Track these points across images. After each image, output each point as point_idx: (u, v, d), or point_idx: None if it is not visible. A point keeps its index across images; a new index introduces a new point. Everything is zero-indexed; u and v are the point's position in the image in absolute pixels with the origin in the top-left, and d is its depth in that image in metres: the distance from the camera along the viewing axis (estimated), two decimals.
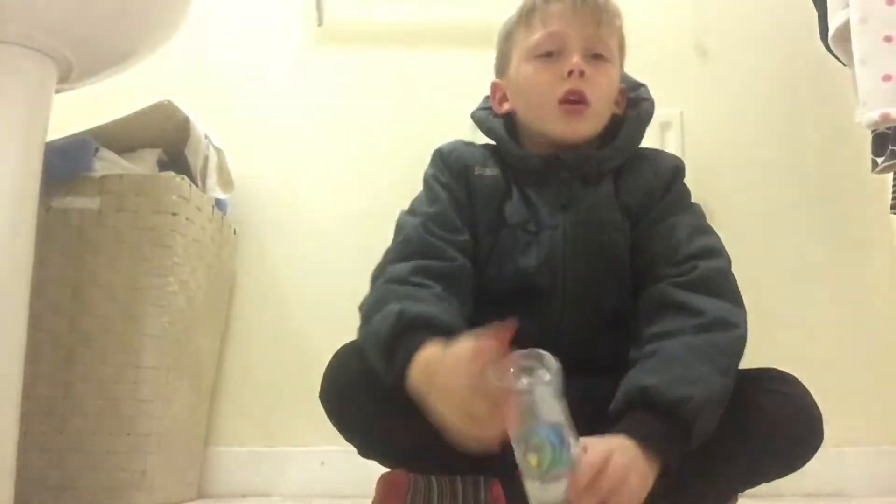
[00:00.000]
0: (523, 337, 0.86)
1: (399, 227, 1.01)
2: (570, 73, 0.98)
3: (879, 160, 1.41)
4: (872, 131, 1.42)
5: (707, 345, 0.83)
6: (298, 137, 1.85)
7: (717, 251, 0.97)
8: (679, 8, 1.93)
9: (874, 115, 1.32)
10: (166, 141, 1.55)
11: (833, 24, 1.45)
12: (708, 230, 1.01)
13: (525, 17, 1.06)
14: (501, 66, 1.12)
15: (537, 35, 1.02)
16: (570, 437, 0.68)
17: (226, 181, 1.66)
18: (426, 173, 1.07)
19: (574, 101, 0.99)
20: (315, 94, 1.88)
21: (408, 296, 0.86)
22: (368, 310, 0.89)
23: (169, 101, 1.48)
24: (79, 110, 1.44)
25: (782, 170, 1.84)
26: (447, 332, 0.77)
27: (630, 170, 1.04)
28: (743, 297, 0.95)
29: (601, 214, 1.00)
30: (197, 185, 1.51)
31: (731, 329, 0.87)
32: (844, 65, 1.52)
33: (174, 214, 1.37)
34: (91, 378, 1.28)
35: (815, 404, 0.88)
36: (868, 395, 1.68)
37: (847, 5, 1.39)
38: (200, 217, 1.48)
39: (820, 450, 0.90)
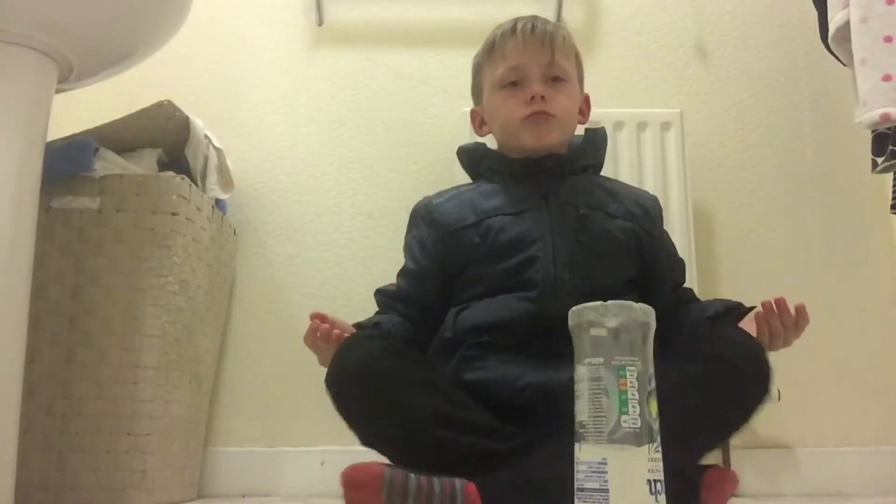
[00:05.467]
0: (522, 315, 1.06)
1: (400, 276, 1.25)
2: (532, 98, 1.16)
3: (879, 160, 1.41)
4: (872, 131, 1.42)
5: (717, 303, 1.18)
6: (298, 137, 1.85)
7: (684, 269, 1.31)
8: (679, 8, 1.93)
9: (874, 114, 1.32)
10: (166, 141, 1.55)
11: (833, 24, 1.45)
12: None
13: (488, 54, 1.24)
14: (477, 95, 1.30)
15: (500, 69, 1.20)
16: None
17: (226, 181, 1.66)
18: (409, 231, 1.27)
19: (537, 114, 1.16)
20: (315, 94, 1.88)
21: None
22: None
23: (169, 101, 1.48)
24: (79, 110, 1.44)
25: (782, 170, 1.84)
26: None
27: (611, 179, 1.29)
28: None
29: (583, 196, 1.16)
30: (197, 185, 1.50)
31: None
32: (844, 65, 1.52)
33: (174, 214, 1.37)
34: (91, 378, 1.28)
35: (764, 351, 0.99)
36: (868, 395, 1.68)
37: (847, 5, 1.39)
38: (200, 217, 1.48)
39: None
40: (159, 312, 1.33)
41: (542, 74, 1.18)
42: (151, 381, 1.31)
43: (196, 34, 1.58)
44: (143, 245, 1.34)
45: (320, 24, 1.90)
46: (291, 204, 1.81)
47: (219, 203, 1.62)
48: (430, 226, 1.20)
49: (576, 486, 0.63)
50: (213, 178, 1.61)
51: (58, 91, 1.21)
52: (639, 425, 0.61)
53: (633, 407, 0.62)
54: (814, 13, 1.60)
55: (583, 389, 0.64)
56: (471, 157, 1.28)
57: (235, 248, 1.75)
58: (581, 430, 0.64)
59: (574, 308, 0.68)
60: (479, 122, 1.29)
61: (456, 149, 1.33)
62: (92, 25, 1.16)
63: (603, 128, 1.28)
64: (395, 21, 1.91)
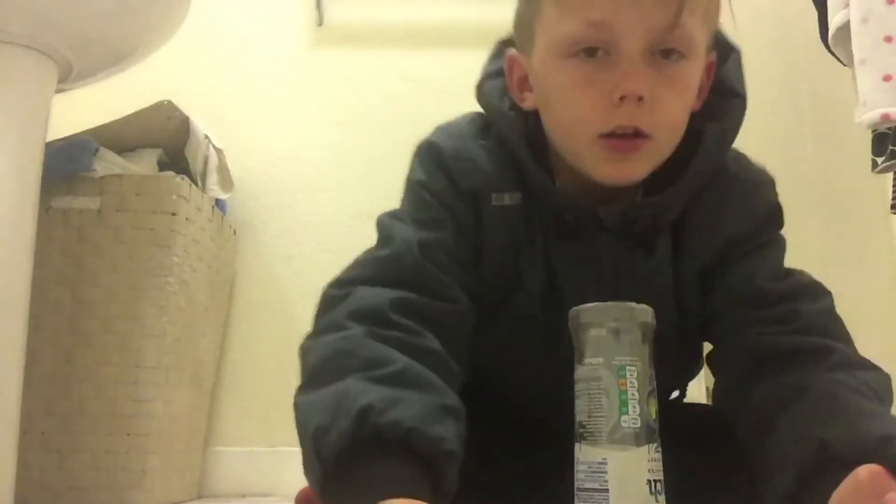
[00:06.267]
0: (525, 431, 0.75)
1: (384, 235, 0.73)
2: (622, 98, 0.64)
3: (879, 160, 1.41)
4: (873, 131, 1.42)
5: (858, 382, 0.63)
6: (298, 137, 1.85)
7: (814, 286, 0.75)
8: None
9: (874, 114, 1.32)
10: (166, 141, 1.55)
11: (833, 24, 1.45)
12: (794, 270, 0.78)
13: None
14: (523, 37, 0.74)
15: (572, 24, 0.66)
16: None
17: (226, 181, 1.66)
18: (416, 178, 0.76)
19: (624, 137, 0.66)
20: (315, 94, 1.88)
21: (380, 363, 0.59)
22: (315, 369, 0.65)
23: (169, 101, 1.48)
24: (79, 110, 1.44)
25: (782, 170, 1.83)
26: (434, 453, 0.54)
27: (701, 215, 0.74)
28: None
29: (651, 300, 0.67)
30: (197, 185, 1.50)
31: (875, 368, 0.68)
32: (844, 65, 1.52)
33: (174, 214, 1.37)
34: (91, 378, 1.28)
35: None
36: None
37: (847, 5, 1.39)
38: (200, 217, 1.48)
39: None
40: (159, 312, 1.33)
41: (647, 46, 0.65)
42: (151, 381, 1.31)
43: (196, 34, 1.58)
44: (143, 245, 1.34)
45: (320, 23, 1.90)
46: (291, 204, 1.81)
47: (219, 203, 1.62)
48: None
49: (576, 487, 0.61)
50: (212, 178, 1.61)
51: (58, 91, 1.21)
52: (639, 425, 0.60)
53: (633, 407, 0.60)
54: (814, 13, 1.60)
55: (582, 389, 0.62)
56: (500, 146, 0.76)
57: (235, 248, 1.75)
58: (581, 431, 0.62)
59: (574, 308, 0.64)
60: (519, 79, 0.75)
61: None
62: (92, 25, 1.16)
63: (741, 101, 0.75)
64: (395, 21, 1.91)
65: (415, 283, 0.67)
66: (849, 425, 0.56)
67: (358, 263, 0.72)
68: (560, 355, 0.66)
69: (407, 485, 0.52)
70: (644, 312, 0.63)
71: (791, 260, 1.82)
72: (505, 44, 0.79)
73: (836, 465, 0.54)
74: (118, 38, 1.24)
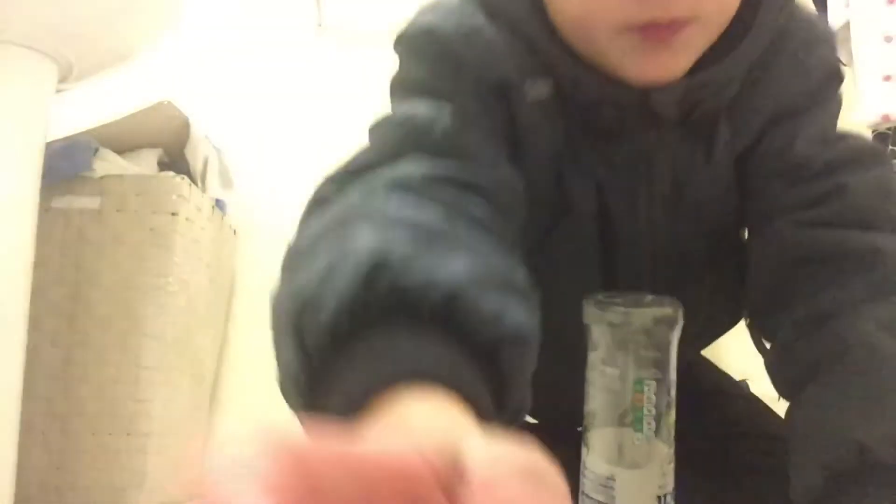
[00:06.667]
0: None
1: (397, 113, 0.60)
2: None
3: None
4: (872, 131, 1.42)
5: None
6: (298, 137, 1.85)
7: (868, 152, 0.60)
8: None
9: (874, 115, 1.32)
10: (166, 141, 1.55)
11: (834, 24, 1.45)
12: (847, 133, 0.62)
13: None
14: None
15: None
16: None
17: (226, 181, 1.66)
18: (413, 77, 0.62)
19: (659, 28, 0.49)
20: (315, 94, 1.88)
21: (408, 217, 0.41)
22: (301, 247, 0.47)
23: (169, 102, 1.47)
24: (79, 110, 1.44)
25: None
26: (496, 336, 0.36)
27: (754, 88, 0.58)
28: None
29: (714, 204, 0.60)
30: (197, 186, 1.50)
31: None
32: (845, 65, 1.52)
33: (174, 214, 1.37)
34: (91, 378, 1.28)
35: None
36: None
37: (847, 6, 1.39)
38: (200, 217, 1.48)
39: None
40: (159, 312, 1.33)
41: None
42: (151, 381, 1.31)
43: (196, 35, 1.58)
44: (143, 245, 1.34)
45: (320, 24, 1.90)
46: (291, 204, 1.79)
47: (219, 203, 1.62)
48: None
49: (581, 489, 0.54)
50: (213, 179, 1.61)
51: (58, 91, 1.21)
52: (652, 442, 0.52)
53: (649, 423, 0.52)
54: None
55: (593, 392, 0.54)
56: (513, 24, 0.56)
57: (235, 249, 1.75)
58: (588, 436, 0.54)
59: (588, 299, 0.52)
60: None
61: None
62: (91, 25, 1.16)
63: None
64: (395, 22, 1.91)
65: (453, 154, 0.49)
66: (890, 420, 0.47)
67: (361, 152, 0.56)
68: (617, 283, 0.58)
69: (453, 369, 0.33)
70: (671, 308, 0.52)
71: None
72: None
73: (877, 469, 0.47)
74: (118, 38, 1.24)
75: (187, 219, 1.40)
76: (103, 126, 1.43)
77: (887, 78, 1.30)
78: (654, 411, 0.52)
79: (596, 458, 0.53)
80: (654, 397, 0.52)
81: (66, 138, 1.38)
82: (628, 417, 0.52)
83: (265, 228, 1.80)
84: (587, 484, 0.54)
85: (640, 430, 0.52)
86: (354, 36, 1.91)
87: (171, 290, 1.35)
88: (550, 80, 0.54)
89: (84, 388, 1.28)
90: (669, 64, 0.51)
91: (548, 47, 0.53)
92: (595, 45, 0.52)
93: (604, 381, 0.53)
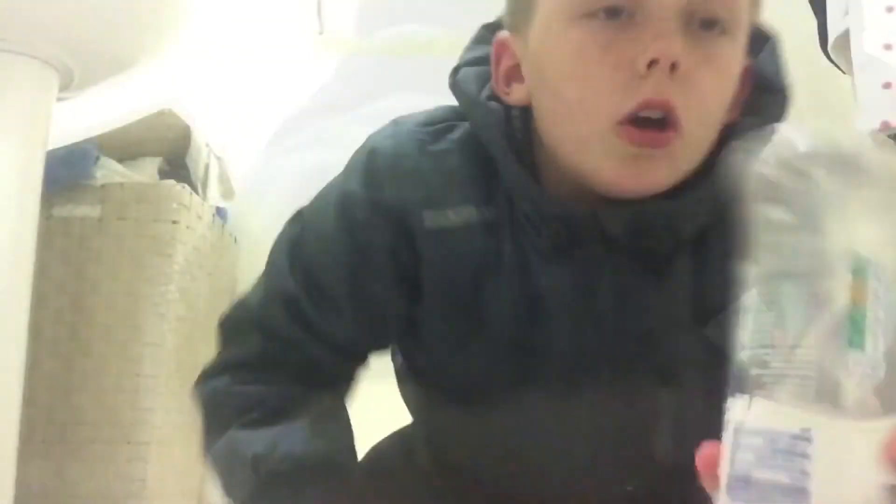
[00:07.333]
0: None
1: (265, 288, 0.74)
2: (652, 64, 0.50)
3: None
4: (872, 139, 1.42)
5: None
6: (300, 145, 1.85)
7: None
8: None
9: (874, 122, 1.32)
10: (167, 149, 1.55)
11: (833, 32, 1.45)
12: None
13: None
14: (520, 11, 0.60)
15: None
16: None
17: (226, 189, 1.66)
18: (346, 184, 0.69)
19: (650, 125, 0.52)
20: (316, 102, 1.88)
21: (250, 408, 0.64)
22: (204, 421, 0.71)
23: (170, 110, 1.48)
24: (80, 119, 1.44)
25: None
26: (333, 460, 0.58)
27: (727, 235, 0.48)
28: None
29: (668, 339, 0.59)
30: (198, 194, 1.50)
31: None
32: (844, 73, 1.52)
33: (175, 223, 1.37)
34: (91, 386, 1.28)
35: None
36: None
37: (847, 13, 1.39)
38: (201, 225, 1.48)
39: None
40: (159, 321, 1.33)
41: (686, 7, 0.52)
42: (151, 389, 1.31)
43: (197, 43, 1.58)
44: (144, 253, 1.34)
45: (321, 32, 1.90)
46: (292, 212, 1.80)
47: (219, 211, 1.62)
48: None
49: (728, 473, 0.32)
50: (213, 187, 1.62)
51: (59, 99, 1.21)
52: (877, 375, 0.30)
53: (874, 342, 0.31)
54: (814, 21, 1.60)
55: (766, 296, 0.32)
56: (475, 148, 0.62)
57: (236, 257, 1.75)
58: (754, 372, 0.32)
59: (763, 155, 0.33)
60: (507, 68, 0.61)
61: None
62: (93, 34, 1.16)
63: (783, 96, 0.62)
64: (395, 29, 1.92)
65: (285, 373, 0.64)
66: None
67: (231, 340, 0.75)
68: (537, 404, 0.59)
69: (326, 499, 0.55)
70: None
71: None
72: (489, 29, 0.67)
73: None
74: (119, 46, 1.24)
75: (188, 227, 1.40)
76: (104, 134, 1.43)
77: (887, 85, 1.30)
78: (881, 319, 0.31)
79: (769, 405, 0.32)
80: (881, 296, 0.31)
81: (67, 146, 1.38)
82: (842, 330, 0.30)
83: (266, 236, 1.79)
84: (743, 457, 0.32)
85: (862, 349, 0.30)
86: (356, 44, 1.92)
87: (172, 298, 1.35)
88: (469, 208, 0.59)
89: (84, 397, 1.28)
90: (649, 174, 0.53)
91: (505, 163, 0.58)
92: (584, 144, 0.54)
93: (787, 268, 0.32)
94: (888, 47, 1.31)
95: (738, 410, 0.33)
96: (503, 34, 0.62)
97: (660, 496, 0.60)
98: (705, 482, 0.33)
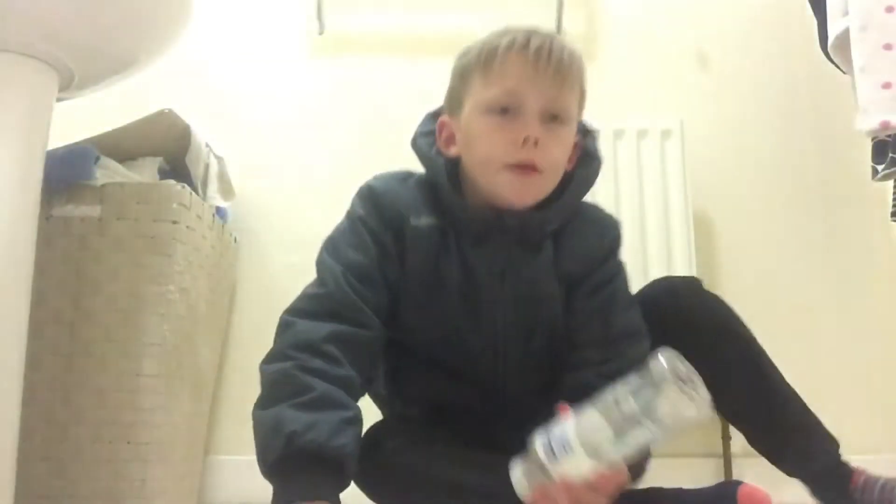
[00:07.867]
0: (464, 398, 1.04)
1: (321, 272, 1.01)
2: (525, 140, 0.94)
3: (879, 168, 1.41)
4: (872, 139, 1.42)
5: None
6: (299, 145, 1.85)
7: (639, 332, 1.02)
8: (680, 17, 1.94)
9: (874, 122, 1.32)
10: (167, 149, 1.55)
11: (833, 32, 1.45)
12: (633, 302, 1.06)
13: (484, 64, 0.99)
14: (453, 105, 1.05)
15: (494, 90, 0.97)
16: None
17: (226, 189, 1.66)
18: (354, 210, 1.04)
19: (524, 169, 0.95)
20: (316, 102, 1.88)
21: (304, 392, 0.87)
22: (263, 393, 0.94)
23: (170, 110, 1.48)
24: (80, 119, 1.44)
25: (782, 178, 1.84)
26: (338, 456, 0.83)
27: (572, 232, 1.05)
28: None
29: (541, 287, 1.03)
30: (198, 194, 1.50)
31: None
32: (844, 73, 1.52)
33: (175, 223, 1.37)
34: (91, 386, 1.28)
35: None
36: (870, 402, 1.67)
37: (847, 13, 1.39)
38: (201, 225, 1.48)
39: None
40: (160, 321, 1.33)
41: (542, 110, 0.96)
42: (152, 389, 1.31)
43: (198, 43, 1.58)
44: (144, 253, 1.34)
45: (321, 32, 1.90)
46: (292, 212, 1.81)
47: (219, 211, 1.63)
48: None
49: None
50: (213, 187, 1.62)
51: (59, 100, 1.21)
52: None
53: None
54: (813, 22, 1.60)
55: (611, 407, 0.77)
56: (431, 181, 1.06)
57: (236, 257, 1.75)
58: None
59: (671, 354, 0.76)
60: (447, 136, 1.05)
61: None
62: (93, 34, 1.16)
63: (598, 162, 1.07)
64: (395, 30, 1.92)
65: (339, 314, 0.94)
66: None
67: (305, 294, 1.00)
68: (481, 330, 1.02)
69: (319, 489, 0.82)
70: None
71: (792, 267, 1.83)
72: (433, 114, 1.10)
73: None
74: (120, 47, 1.24)
75: (188, 227, 1.40)
76: (104, 134, 1.43)
77: (887, 85, 1.31)
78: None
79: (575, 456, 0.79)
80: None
81: (66, 146, 1.39)
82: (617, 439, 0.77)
83: (266, 237, 1.80)
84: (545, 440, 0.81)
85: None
86: (355, 45, 1.92)
87: (172, 298, 1.35)
88: (431, 217, 1.01)
89: (84, 396, 1.28)
90: (526, 194, 0.98)
91: (449, 193, 1.01)
92: (490, 178, 0.98)
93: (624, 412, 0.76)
94: (888, 47, 1.31)
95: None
96: (444, 117, 1.06)
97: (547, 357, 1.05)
98: None
